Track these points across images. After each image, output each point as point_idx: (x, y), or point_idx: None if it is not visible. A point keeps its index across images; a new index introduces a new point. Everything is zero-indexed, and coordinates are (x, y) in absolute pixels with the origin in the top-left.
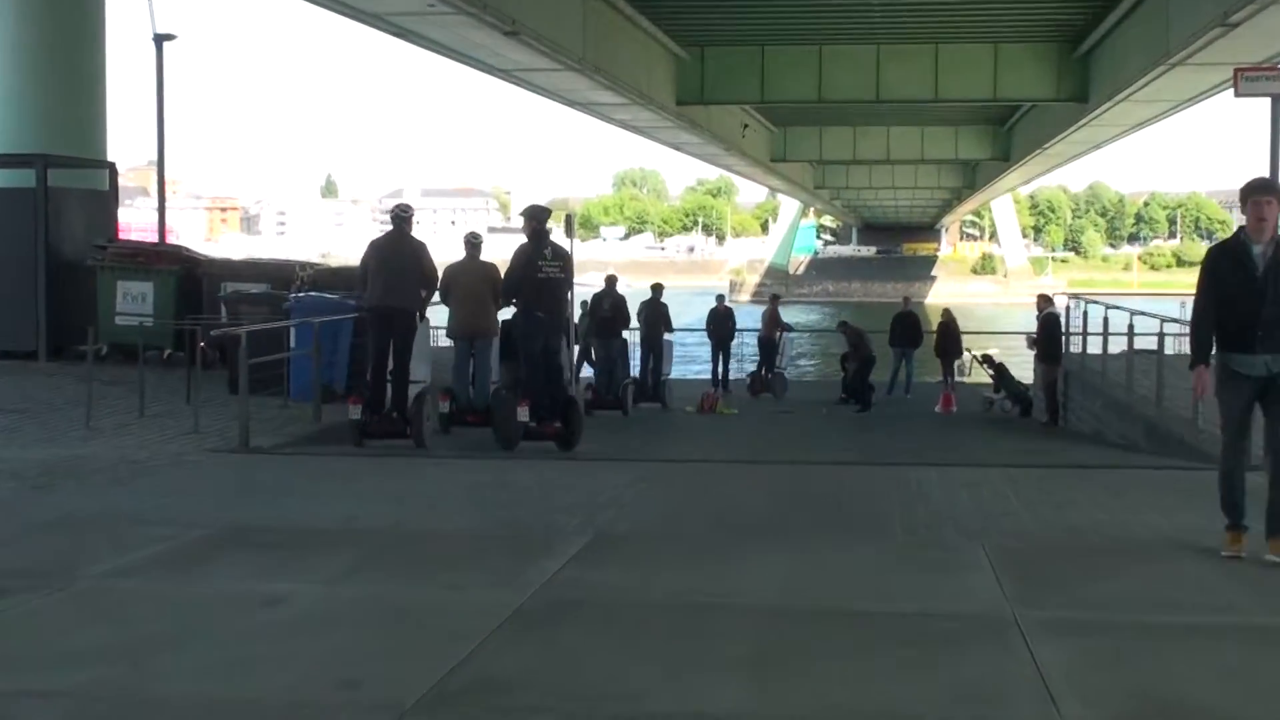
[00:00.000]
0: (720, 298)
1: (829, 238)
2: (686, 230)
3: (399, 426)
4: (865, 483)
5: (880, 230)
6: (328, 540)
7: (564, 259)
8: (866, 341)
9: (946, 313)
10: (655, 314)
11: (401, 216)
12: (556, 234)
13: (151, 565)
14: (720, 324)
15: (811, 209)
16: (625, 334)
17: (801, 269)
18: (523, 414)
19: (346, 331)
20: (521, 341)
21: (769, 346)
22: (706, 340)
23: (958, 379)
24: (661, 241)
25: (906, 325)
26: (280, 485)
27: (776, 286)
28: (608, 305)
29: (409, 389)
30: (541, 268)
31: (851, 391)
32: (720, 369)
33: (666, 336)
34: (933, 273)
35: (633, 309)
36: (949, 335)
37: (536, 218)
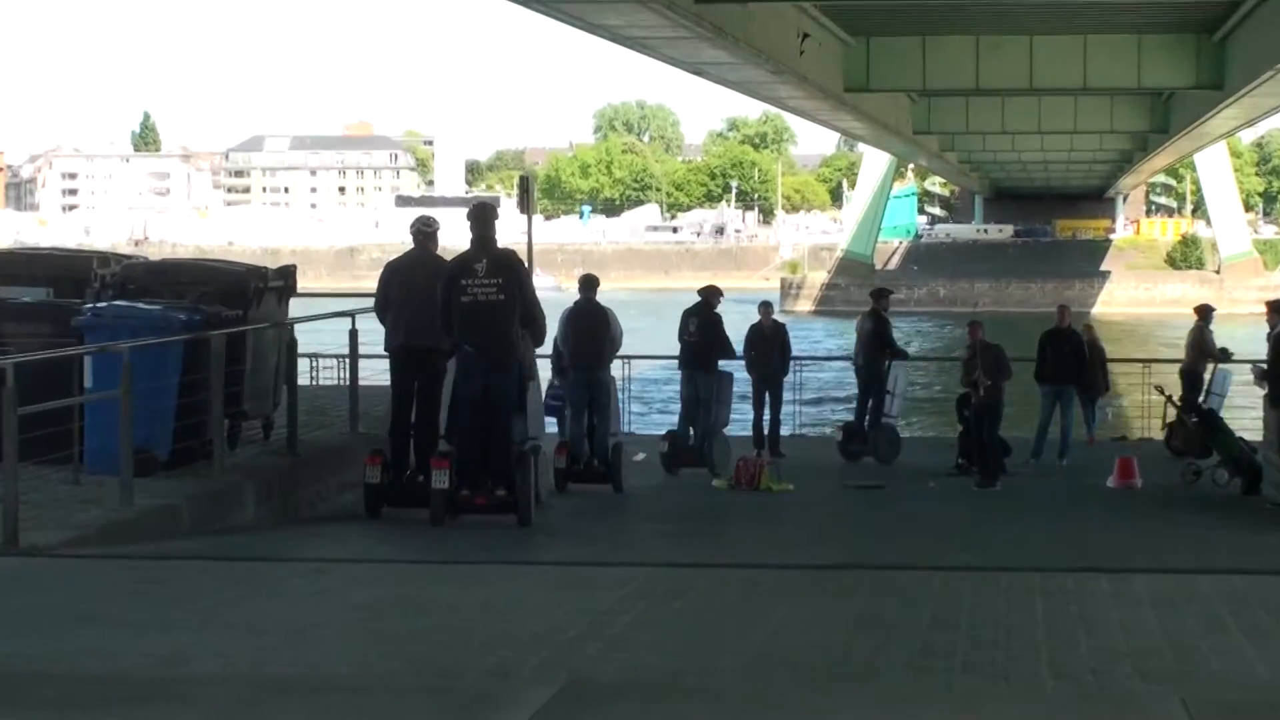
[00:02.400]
0: (766, 307)
1: (937, 212)
2: (712, 200)
3: (425, 493)
4: (993, 600)
5: (1019, 200)
6: (139, 696)
7: (507, 272)
8: (1004, 365)
9: (1088, 329)
10: (709, 333)
11: (425, 232)
12: (511, 219)
13: None
14: (766, 349)
15: (909, 167)
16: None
17: (894, 261)
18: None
19: (173, 364)
20: (455, 385)
21: (873, 380)
22: (745, 375)
23: (1098, 426)
24: (673, 218)
25: (1063, 351)
26: (70, 607)
27: (853, 287)
28: (694, 326)
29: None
30: (467, 287)
31: (975, 453)
32: (767, 420)
33: (723, 365)
34: (1103, 266)
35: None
36: (1088, 358)
37: (479, 221)
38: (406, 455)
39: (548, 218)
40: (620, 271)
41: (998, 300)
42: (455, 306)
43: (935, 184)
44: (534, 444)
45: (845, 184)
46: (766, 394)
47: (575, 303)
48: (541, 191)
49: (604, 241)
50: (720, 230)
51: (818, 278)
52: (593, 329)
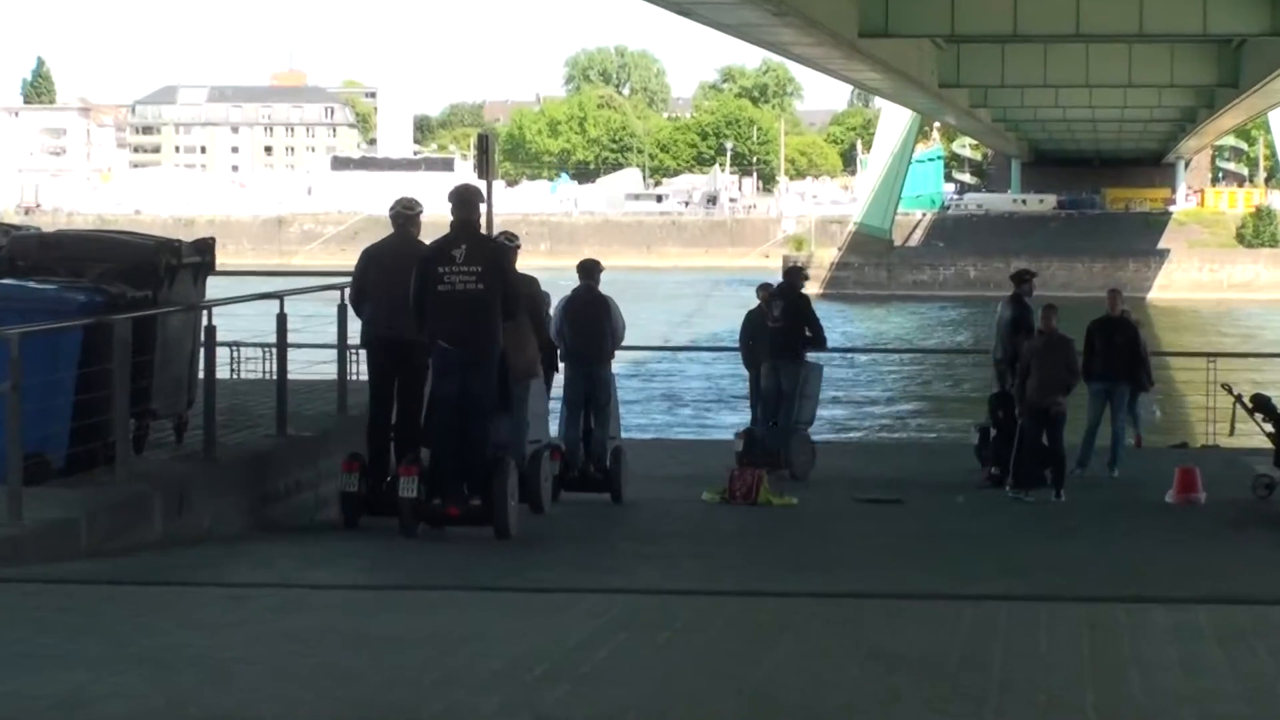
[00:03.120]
0: (767, 290)
1: (967, 179)
2: (703, 164)
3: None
4: (1032, 634)
5: (1063, 166)
6: None
7: (488, 260)
8: (1075, 367)
9: (1126, 313)
10: (797, 318)
11: (406, 215)
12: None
13: None
14: (763, 339)
15: (935, 126)
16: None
17: (916, 236)
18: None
19: (70, 354)
20: (433, 383)
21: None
22: (742, 369)
23: (1144, 427)
24: (657, 185)
25: (1115, 343)
26: None
27: (867, 267)
28: (779, 310)
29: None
30: (443, 275)
31: (1010, 459)
32: (768, 421)
33: (813, 358)
34: (1161, 244)
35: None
36: (1127, 348)
37: (462, 204)
38: (386, 459)
39: (510, 184)
40: (595, 247)
41: (1037, 283)
42: (430, 297)
43: (965, 146)
44: (535, 448)
45: (859, 146)
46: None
47: (573, 290)
48: (503, 153)
49: (576, 212)
50: (713, 199)
51: (826, 256)
52: (593, 320)
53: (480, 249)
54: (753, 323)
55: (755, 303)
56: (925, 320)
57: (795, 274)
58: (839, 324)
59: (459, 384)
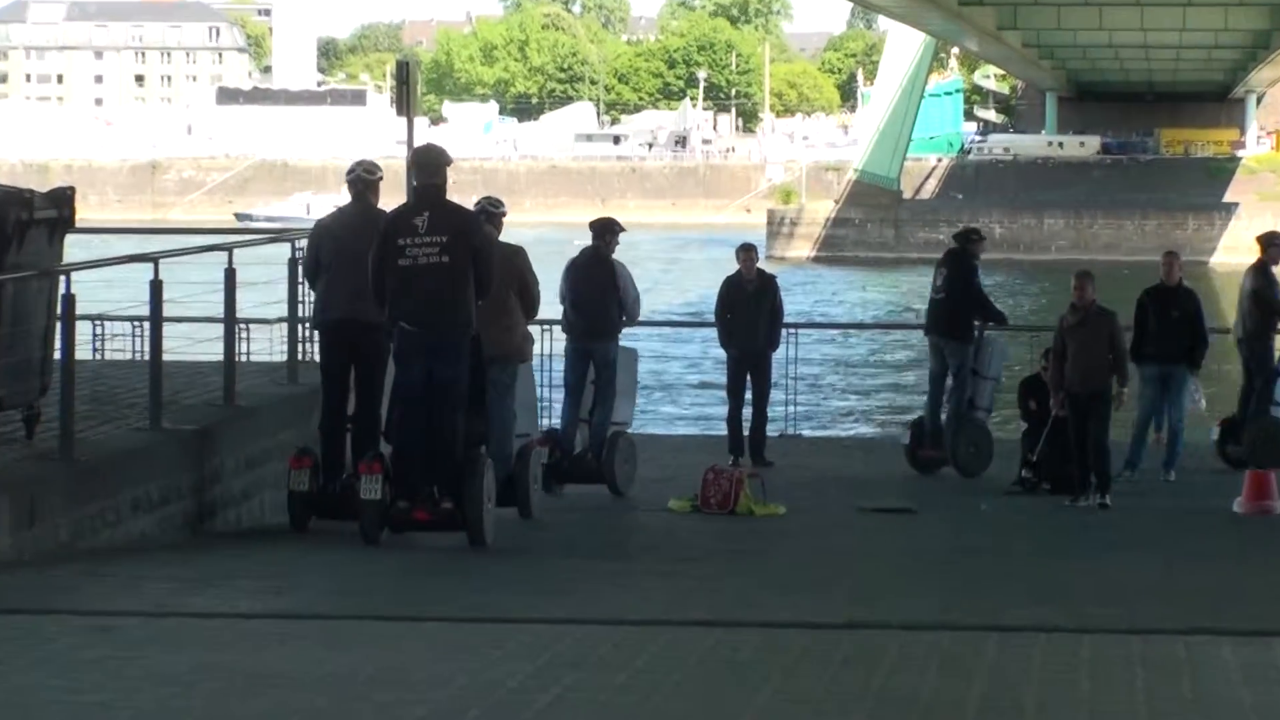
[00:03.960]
0: (749, 252)
1: (992, 117)
2: (670, 98)
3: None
4: (1073, 672)
5: (1109, 101)
6: None
7: (455, 229)
8: (1123, 348)
9: (1184, 282)
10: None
11: (366, 180)
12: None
13: None
14: (748, 314)
15: (953, 52)
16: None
17: (930, 186)
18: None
19: None
20: (395, 371)
21: (1255, 358)
22: (719, 351)
23: (1185, 415)
24: (615, 123)
25: (1171, 318)
26: None
27: (870, 224)
28: (942, 279)
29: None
30: (404, 248)
31: (1053, 463)
32: (747, 416)
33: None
34: (1227, 196)
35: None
36: (1186, 324)
37: (424, 168)
38: (341, 456)
39: (435, 121)
40: (538, 199)
41: (1077, 243)
42: (390, 271)
43: (989, 78)
44: (523, 443)
45: (860, 76)
46: (748, 376)
47: (581, 252)
48: (427, 84)
49: (515, 156)
50: (682, 141)
51: (821, 210)
52: (595, 288)
53: (446, 217)
54: (731, 292)
55: (734, 267)
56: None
57: (969, 237)
58: (835, 291)
59: (424, 371)
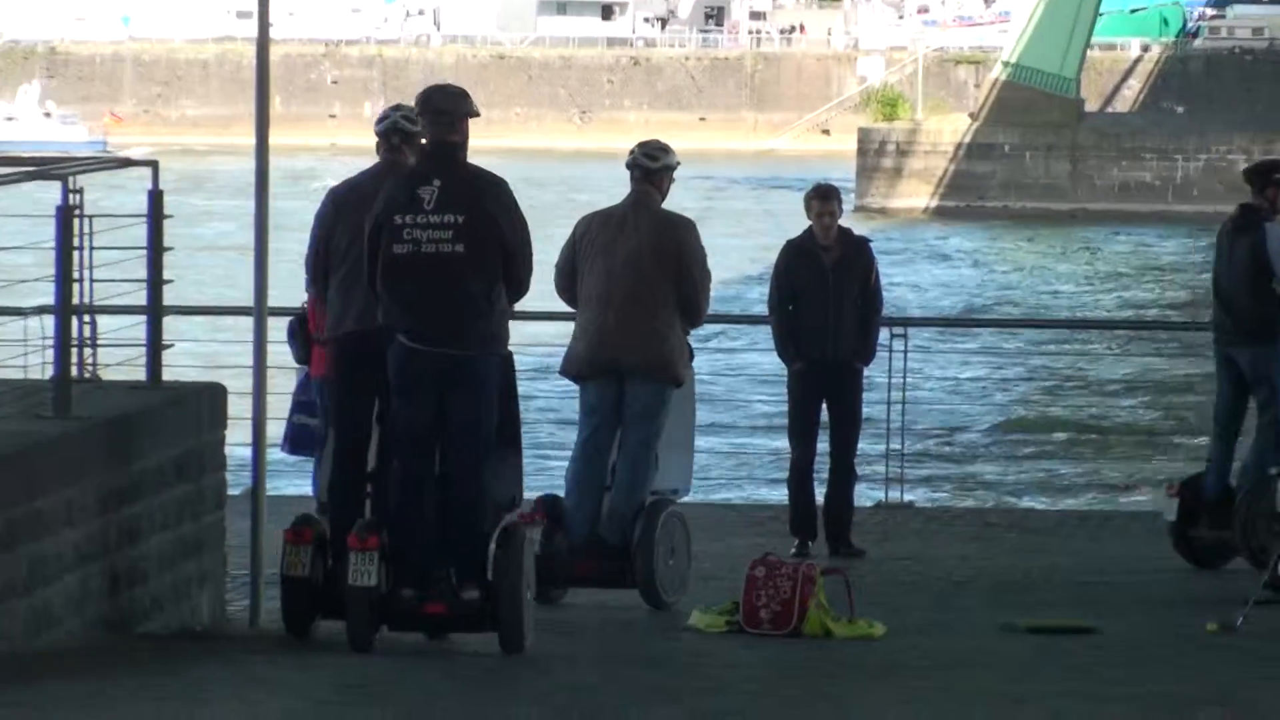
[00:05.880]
0: (825, 201)
1: None
2: None
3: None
4: None
5: None
6: None
7: (474, 204)
8: None
9: None
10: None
11: (406, 131)
12: None
13: None
14: (824, 295)
15: None
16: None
17: (1130, 92)
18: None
19: None
20: (393, 404)
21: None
22: (774, 362)
23: None
24: None
25: None
26: None
27: (1031, 154)
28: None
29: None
30: (402, 229)
31: None
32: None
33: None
34: None
35: None
36: None
37: (436, 116)
38: (353, 520)
39: None
40: (486, 111)
41: None
42: (385, 263)
43: None
44: (659, 497)
45: None
46: (824, 405)
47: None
48: None
49: (436, 38)
50: (717, 14)
51: (948, 129)
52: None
53: (461, 187)
54: (797, 266)
55: (801, 224)
56: (1149, 257)
57: (1270, 177)
58: (977, 261)
59: (433, 404)
